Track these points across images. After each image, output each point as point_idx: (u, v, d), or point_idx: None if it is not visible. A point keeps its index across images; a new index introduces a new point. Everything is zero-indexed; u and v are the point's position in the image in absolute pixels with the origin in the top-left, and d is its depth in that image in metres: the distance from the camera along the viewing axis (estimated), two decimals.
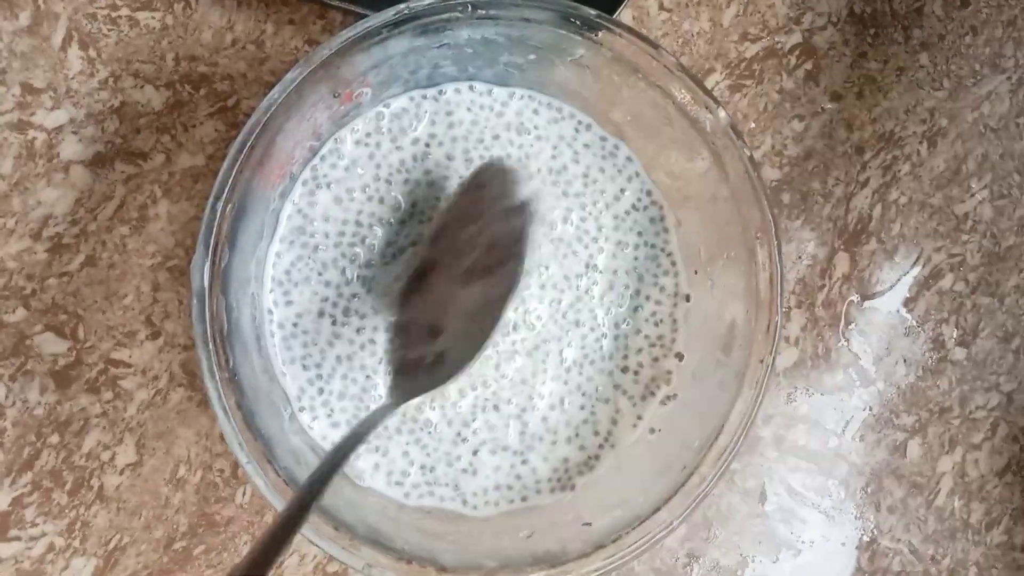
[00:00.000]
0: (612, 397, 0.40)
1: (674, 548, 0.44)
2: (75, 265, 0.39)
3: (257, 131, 0.32)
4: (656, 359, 0.41)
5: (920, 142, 0.49)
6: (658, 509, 0.35)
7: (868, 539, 0.47)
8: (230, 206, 0.32)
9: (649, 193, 0.41)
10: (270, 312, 0.37)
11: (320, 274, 0.38)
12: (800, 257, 0.47)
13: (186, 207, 0.40)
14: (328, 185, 0.38)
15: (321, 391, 0.38)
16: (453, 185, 0.39)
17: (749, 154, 0.36)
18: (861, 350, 0.48)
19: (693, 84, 0.36)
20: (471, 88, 0.40)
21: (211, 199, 0.32)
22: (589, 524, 0.36)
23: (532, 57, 0.37)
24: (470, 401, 0.39)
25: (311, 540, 0.32)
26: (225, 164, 0.32)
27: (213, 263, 0.31)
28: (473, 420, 0.39)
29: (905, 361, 0.48)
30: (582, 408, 0.40)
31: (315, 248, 0.38)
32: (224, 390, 0.31)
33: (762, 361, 0.36)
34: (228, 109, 0.41)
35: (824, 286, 0.47)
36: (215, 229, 0.31)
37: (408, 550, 0.33)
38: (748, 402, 0.36)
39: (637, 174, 0.41)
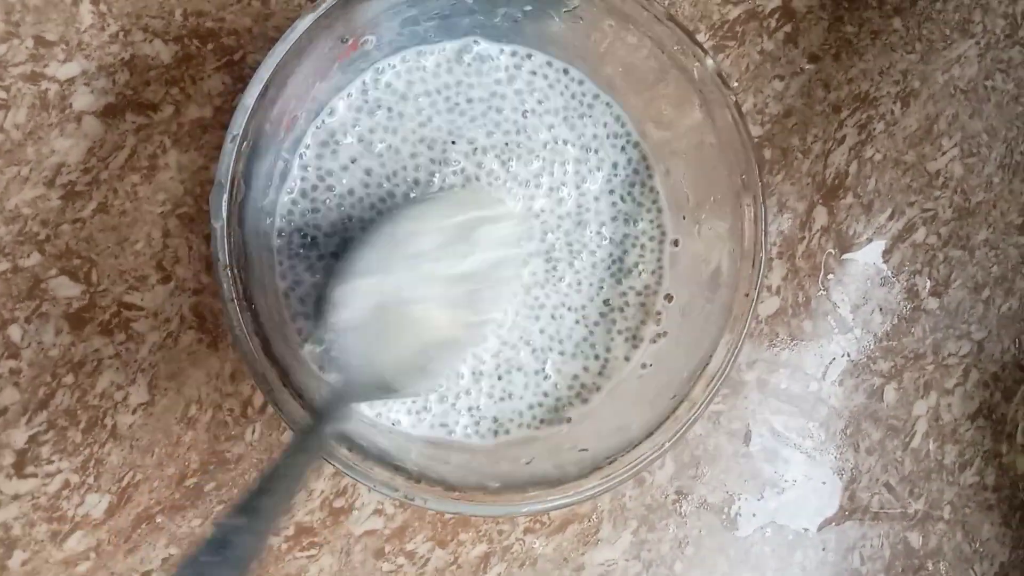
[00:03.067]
0: (604, 339, 0.42)
1: (664, 485, 0.47)
2: (88, 212, 0.41)
3: (273, 70, 0.34)
4: (646, 302, 0.43)
5: (894, 102, 0.51)
6: (651, 433, 0.37)
7: (848, 479, 0.49)
8: (246, 143, 0.34)
9: (636, 144, 0.43)
10: (279, 257, 0.39)
11: (325, 224, 0.40)
12: (781, 211, 0.49)
13: (195, 157, 0.42)
14: (336, 142, 0.40)
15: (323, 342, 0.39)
16: (447, 151, 0.41)
17: (735, 100, 0.38)
18: (839, 299, 0.50)
19: (682, 33, 0.38)
20: (475, 42, 0.42)
21: (228, 135, 0.33)
22: (586, 450, 0.38)
23: (529, 8, 0.39)
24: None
25: (326, 459, 0.33)
26: (242, 101, 0.33)
27: (231, 195, 0.33)
28: (473, 361, 0.41)
29: (881, 310, 0.51)
30: (575, 348, 0.42)
31: (322, 201, 0.39)
32: (242, 316, 0.33)
33: (747, 295, 0.38)
34: (235, 63, 0.43)
35: (804, 238, 0.50)
36: (232, 163, 0.33)
37: (418, 471, 0.35)
38: (735, 333, 0.38)
39: (624, 128, 0.43)
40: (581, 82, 0.43)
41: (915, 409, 0.51)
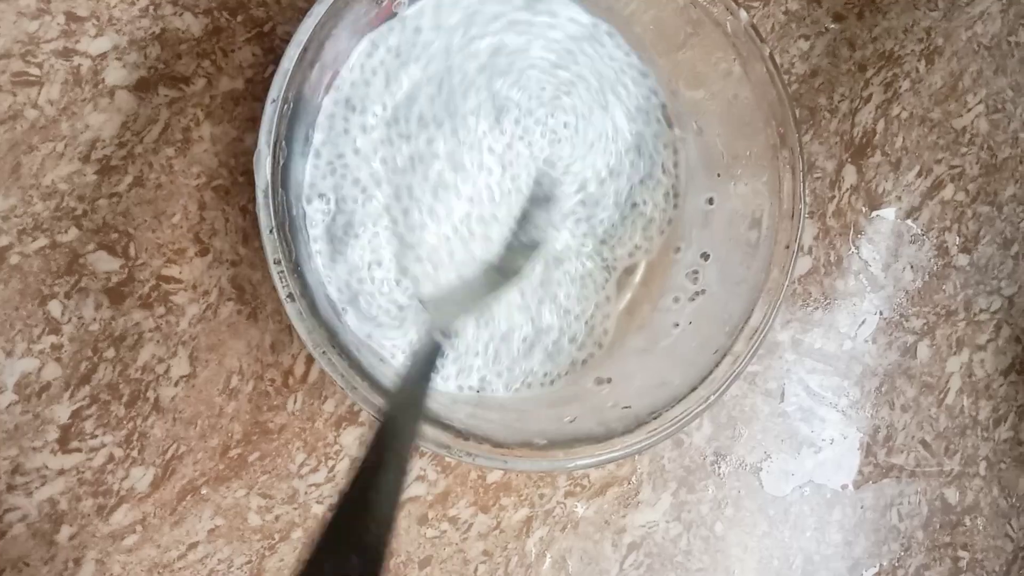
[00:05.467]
0: (601, 294, 0.43)
1: (702, 447, 0.47)
2: (124, 186, 0.41)
3: (310, 33, 0.34)
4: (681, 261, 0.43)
5: (918, 60, 0.51)
6: (695, 388, 0.37)
7: (884, 436, 0.49)
8: (286, 106, 0.34)
9: (663, 106, 0.43)
10: (309, 215, 0.39)
11: (352, 182, 0.40)
12: (811, 170, 0.49)
13: (228, 129, 0.42)
14: (363, 97, 0.40)
15: (355, 292, 0.39)
16: (478, 101, 0.41)
17: (768, 52, 0.38)
18: (870, 257, 0.50)
19: None
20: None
21: (269, 99, 0.33)
22: (629, 407, 0.38)
23: None
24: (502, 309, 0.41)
25: (375, 416, 0.34)
26: (282, 65, 0.33)
27: (274, 158, 0.33)
28: (505, 324, 0.41)
29: (912, 267, 0.51)
30: (586, 304, 0.43)
31: (348, 155, 0.39)
32: (289, 279, 0.33)
33: (788, 247, 0.38)
34: (264, 34, 0.43)
35: (834, 197, 0.50)
36: (274, 126, 0.33)
37: (465, 429, 0.35)
38: (777, 285, 0.38)
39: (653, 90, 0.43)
40: (610, 34, 0.43)
41: (948, 366, 0.51)
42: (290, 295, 0.33)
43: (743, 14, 0.38)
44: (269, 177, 0.33)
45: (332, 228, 0.39)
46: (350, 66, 0.39)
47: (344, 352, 0.34)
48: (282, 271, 0.33)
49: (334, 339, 0.34)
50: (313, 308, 0.34)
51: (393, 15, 0.38)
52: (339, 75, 0.39)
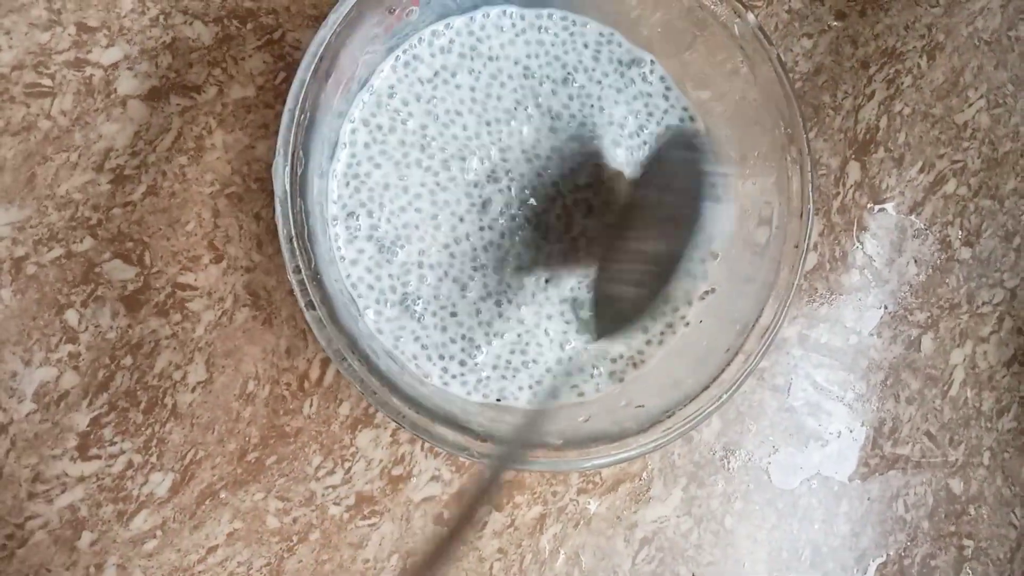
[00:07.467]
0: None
1: (711, 442, 0.47)
2: (138, 195, 0.41)
3: (326, 43, 0.34)
4: (692, 261, 0.43)
5: (920, 56, 0.52)
6: (707, 387, 0.38)
7: (889, 428, 0.50)
8: (303, 116, 0.34)
9: (687, 108, 0.44)
10: (334, 221, 0.39)
11: (377, 195, 0.40)
12: (815, 167, 0.50)
13: (240, 136, 0.42)
14: (383, 107, 0.40)
15: (381, 302, 0.40)
16: (492, 111, 0.42)
17: (777, 53, 0.38)
18: (875, 252, 0.50)
19: None
20: (504, 13, 0.42)
21: (286, 108, 0.34)
22: (642, 406, 0.39)
23: None
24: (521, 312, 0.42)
25: (395, 421, 0.34)
26: (298, 76, 0.34)
27: (292, 167, 0.33)
28: (525, 328, 0.42)
29: (915, 261, 0.51)
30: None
31: (370, 169, 0.40)
32: (309, 286, 0.33)
33: (797, 246, 0.38)
34: (275, 42, 0.43)
35: (838, 193, 0.50)
36: (292, 135, 0.34)
37: (483, 431, 0.35)
38: (787, 284, 0.38)
39: (669, 89, 0.44)
40: (619, 44, 0.43)
41: (952, 358, 0.51)
42: (309, 303, 0.33)
43: (751, 17, 0.38)
44: (288, 186, 0.33)
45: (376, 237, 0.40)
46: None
47: (364, 358, 0.34)
48: (301, 279, 0.33)
49: (354, 346, 0.34)
50: (333, 315, 0.34)
51: (404, 23, 0.39)
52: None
